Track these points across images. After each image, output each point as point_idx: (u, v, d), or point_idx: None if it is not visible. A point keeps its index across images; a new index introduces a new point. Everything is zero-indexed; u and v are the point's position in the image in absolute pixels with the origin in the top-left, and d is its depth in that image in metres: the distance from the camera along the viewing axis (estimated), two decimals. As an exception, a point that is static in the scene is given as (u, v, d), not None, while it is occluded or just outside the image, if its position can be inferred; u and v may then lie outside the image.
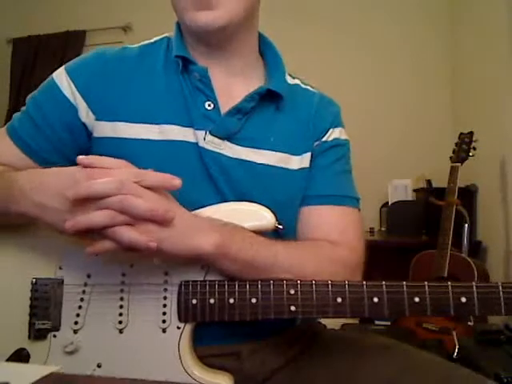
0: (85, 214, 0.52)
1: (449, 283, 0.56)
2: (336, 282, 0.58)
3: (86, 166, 0.55)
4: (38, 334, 0.61)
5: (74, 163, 0.69)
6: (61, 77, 0.70)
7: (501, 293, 0.54)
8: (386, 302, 0.57)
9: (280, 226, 0.65)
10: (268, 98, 0.73)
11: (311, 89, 0.83)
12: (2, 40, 3.30)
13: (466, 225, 1.84)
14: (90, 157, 0.56)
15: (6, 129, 0.71)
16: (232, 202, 0.67)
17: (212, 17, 0.65)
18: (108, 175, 0.53)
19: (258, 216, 0.64)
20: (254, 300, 0.59)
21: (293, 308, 0.58)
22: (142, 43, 0.76)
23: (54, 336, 0.61)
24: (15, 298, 0.63)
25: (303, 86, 0.82)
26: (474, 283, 0.56)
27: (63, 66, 0.71)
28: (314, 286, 0.58)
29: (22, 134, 0.69)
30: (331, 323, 1.19)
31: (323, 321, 0.82)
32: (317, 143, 0.76)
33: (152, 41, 0.77)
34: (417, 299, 0.56)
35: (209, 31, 0.67)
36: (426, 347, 1.43)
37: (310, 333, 0.75)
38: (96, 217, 0.52)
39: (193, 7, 0.65)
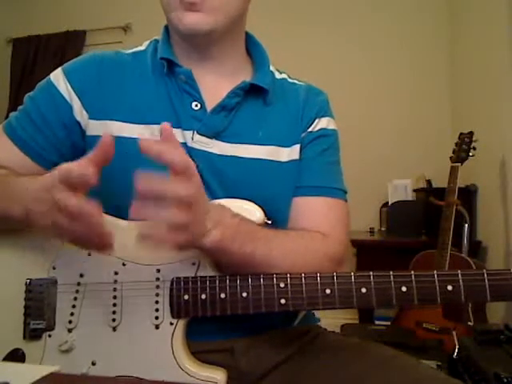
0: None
1: (435, 272, 0.57)
2: (324, 274, 0.60)
3: None
4: (33, 334, 0.62)
5: (71, 160, 0.71)
6: (58, 77, 0.72)
7: (486, 280, 0.56)
8: (374, 292, 0.58)
9: (269, 222, 0.66)
10: (254, 93, 0.74)
11: (298, 82, 0.83)
12: (2, 40, 3.31)
13: (466, 225, 1.85)
14: None
15: (3, 127, 0.72)
16: (223, 199, 0.67)
17: (198, 19, 0.67)
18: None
19: (248, 213, 0.64)
20: (244, 294, 0.60)
21: (283, 301, 0.60)
22: (135, 49, 0.78)
23: (49, 336, 0.62)
24: (10, 299, 0.63)
25: (290, 79, 0.83)
26: (459, 271, 0.57)
27: (60, 67, 0.74)
28: (303, 279, 0.60)
29: (19, 132, 0.70)
30: (331, 324, 1.19)
31: (323, 322, 0.82)
32: (304, 134, 0.77)
33: (143, 48, 0.79)
34: (404, 288, 0.58)
35: (194, 33, 0.68)
36: (426, 347, 1.43)
37: (309, 334, 0.75)
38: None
39: (181, 7, 0.67)
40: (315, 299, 0.59)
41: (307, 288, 0.60)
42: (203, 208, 0.55)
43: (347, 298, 0.59)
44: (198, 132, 0.70)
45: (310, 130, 0.77)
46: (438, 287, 0.57)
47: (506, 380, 1.02)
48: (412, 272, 0.58)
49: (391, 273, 0.58)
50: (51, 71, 0.74)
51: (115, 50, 0.78)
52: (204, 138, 0.70)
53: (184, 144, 0.69)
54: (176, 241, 0.52)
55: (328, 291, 0.59)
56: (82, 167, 0.51)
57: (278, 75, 0.82)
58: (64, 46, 3.15)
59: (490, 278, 0.56)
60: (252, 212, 0.65)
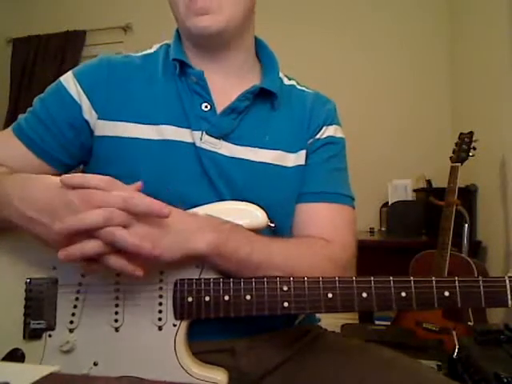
0: (75, 244, 0.53)
1: (433, 278, 0.59)
2: (327, 278, 0.60)
3: (74, 187, 0.55)
4: (33, 334, 0.62)
5: (78, 161, 0.74)
6: (68, 79, 0.74)
7: (481, 287, 0.58)
8: (375, 297, 0.59)
9: (272, 225, 0.66)
10: (262, 97, 0.75)
11: (307, 89, 0.84)
12: (2, 40, 3.30)
13: (466, 225, 1.85)
14: (76, 176, 0.55)
15: (13, 129, 0.73)
16: (226, 201, 0.68)
17: (212, 21, 0.68)
18: (99, 201, 0.53)
19: (251, 215, 0.65)
20: (248, 297, 0.60)
21: (286, 304, 0.60)
22: (144, 52, 0.80)
23: (50, 336, 0.62)
24: (10, 299, 0.63)
25: (299, 86, 0.84)
26: (456, 278, 0.58)
27: (70, 71, 0.75)
28: (306, 283, 0.60)
29: (29, 133, 0.71)
30: (331, 324, 1.19)
31: (323, 322, 0.82)
32: (310, 141, 0.77)
33: (152, 50, 0.80)
34: (403, 294, 0.58)
35: (209, 35, 0.70)
36: (426, 347, 1.43)
37: (309, 335, 0.75)
38: (88, 247, 0.53)
39: (193, 13, 0.68)
40: (318, 303, 0.60)
41: (310, 292, 0.60)
42: (179, 225, 0.58)
43: (349, 302, 0.59)
44: (206, 132, 0.70)
45: (317, 137, 0.78)
46: (435, 293, 0.58)
47: (506, 380, 1.02)
48: (411, 278, 0.59)
49: (391, 278, 0.59)
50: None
51: (125, 53, 0.80)
52: (212, 139, 0.71)
53: (192, 144, 0.70)
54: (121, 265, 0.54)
55: (330, 295, 0.59)
56: (159, 205, 0.55)
57: (286, 81, 0.83)
58: (64, 45, 3.14)
59: (486, 285, 0.57)
60: (254, 213, 0.65)
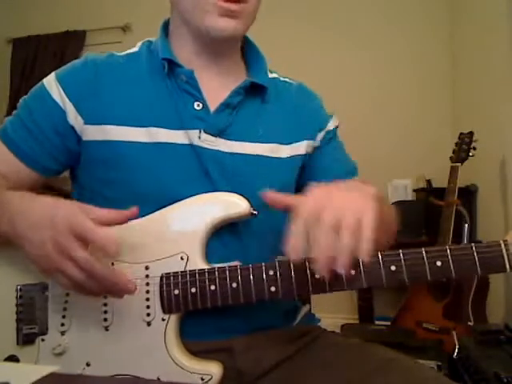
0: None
1: (423, 249, 0.57)
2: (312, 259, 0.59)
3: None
4: (26, 339, 0.62)
5: (66, 166, 0.73)
6: (50, 83, 0.71)
7: (475, 253, 0.56)
8: (364, 274, 0.58)
9: (255, 212, 0.66)
10: (253, 91, 0.75)
11: (289, 80, 0.85)
12: (2, 40, 3.30)
13: (466, 225, 1.85)
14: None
15: None
16: (208, 193, 0.67)
17: (234, 25, 0.68)
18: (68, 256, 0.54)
19: (234, 204, 0.65)
20: (234, 285, 0.60)
21: (273, 288, 0.60)
22: (128, 51, 0.78)
23: (42, 340, 0.62)
24: (1, 305, 0.63)
25: (282, 78, 0.85)
26: (447, 246, 0.57)
27: (53, 73, 0.73)
28: (291, 265, 0.60)
29: (13, 137, 0.70)
30: (331, 324, 1.19)
31: (323, 322, 0.82)
32: (322, 134, 0.81)
33: (136, 49, 0.78)
34: (393, 268, 0.57)
35: (228, 37, 0.69)
36: (426, 347, 1.43)
37: (309, 335, 0.75)
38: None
39: (216, 12, 0.67)
40: (305, 285, 0.59)
41: (296, 274, 0.59)
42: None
43: (337, 281, 0.58)
44: (204, 131, 0.70)
45: (326, 129, 0.82)
46: (427, 264, 0.57)
47: (506, 380, 1.02)
48: (400, 251, 0.57)
49: (379, 253, 0.58)
50: (51, 71, 0.73)
51: (108, 52, 0.77)
52: (210, 137, 0.70)
53: (188, 145, 0.69)
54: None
55: (317, 276, 0.58)
56: (108, 240, 0.53)
57: (269, 75, 0.82)
58: (64, 45, 3.15)
59: (480, 251, 0.56)
60: (238, 203, 0.65)
